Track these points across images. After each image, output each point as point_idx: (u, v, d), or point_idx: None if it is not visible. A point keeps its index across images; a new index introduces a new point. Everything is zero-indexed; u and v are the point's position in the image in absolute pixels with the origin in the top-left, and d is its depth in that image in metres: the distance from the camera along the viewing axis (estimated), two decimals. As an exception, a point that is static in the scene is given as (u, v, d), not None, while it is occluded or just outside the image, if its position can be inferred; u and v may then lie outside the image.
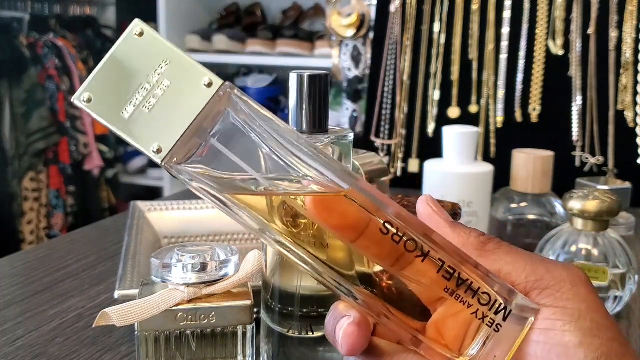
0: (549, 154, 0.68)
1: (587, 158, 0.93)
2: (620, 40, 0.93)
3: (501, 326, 0.27)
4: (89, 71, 2.13)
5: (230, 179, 0.28)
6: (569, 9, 0.95)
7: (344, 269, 0.28)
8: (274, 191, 0.28)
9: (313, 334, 0.39)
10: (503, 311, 0.27)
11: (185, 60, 0.27)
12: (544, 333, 0.26)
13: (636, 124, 0.92)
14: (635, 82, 0.92)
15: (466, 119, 0.98)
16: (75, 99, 0.27)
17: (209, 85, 0.27)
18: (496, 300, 0.27)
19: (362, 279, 0.29)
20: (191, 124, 0.26)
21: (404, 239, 0.27)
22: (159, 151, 0.26)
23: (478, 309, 0.27)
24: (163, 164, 0.26)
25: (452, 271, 0.27)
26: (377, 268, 0.29)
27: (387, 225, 0.27)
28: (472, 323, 0.27)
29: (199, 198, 0.74)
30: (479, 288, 0.27)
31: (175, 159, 0.27)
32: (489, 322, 0.27)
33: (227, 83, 0.27)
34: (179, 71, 0.27)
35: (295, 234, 0.28)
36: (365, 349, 0.28)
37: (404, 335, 0.28)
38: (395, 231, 0.27)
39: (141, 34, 0.27)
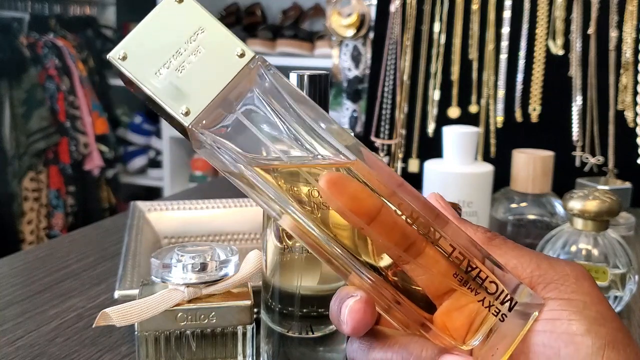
0: (549, 154, 0.68)
1: (587, 158, 0.93)
2: (620, 40, 0.93)
3: (506, 316, 0.27)
4: (89, 71, 2.14)
5: (251, 155, 0.28)
6: (569, 9, 0.95)
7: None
8: (291, 164, 0.28)
9: (313, 334, 0.39)
10: (509, 302, 0.27)
11: (221, 30, 0.28)
12: (550, 323, 0.27)
13: (636, 124, 0.92)
14: (635, 82, 0.92)
15: (466, 119, 0.98)
16: (110, 56, 0.27)
17: (241, 55, 0.28)
18: (503, 290, 0.27)
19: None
20: (221, 91, 0.27)
21: (416, 223, 0.27)
22: (187, 114, 0.27)
23: (485, 297, 0.27)
24: (190, 126, 0.27)
25: (462, 257, 0.27)
26: (383, 263, 0.29)
27: (400, 207, 0.27)
28: (477, 316, 0.28)
29: (199, 198, 0.74)
30: (487, 277, 0.27)
31: (202, 124, 0.27)
32: (495, 311, 0.27)
33: (258, 56, 0.28)
34: (213, 40, 0.28)
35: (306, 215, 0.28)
36: (369, 330, 0.28)
37: (413, 321, 0.28)
38: (408, 214, 0.27)
39: (181, 1, 0.28)
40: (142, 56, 0.27)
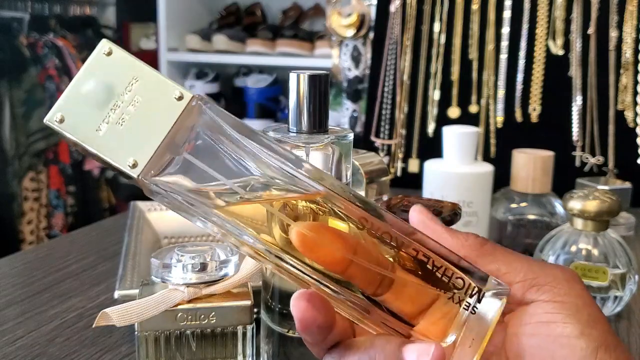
0: (549, 154, 0.68)
1: (587, 158, 0.93)
2: (620, 40, 0.93)
3: (477, 309, 0.28)
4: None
5: (205, 190, 0.28)
6: (569, 9, 0.95)
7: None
8: (252, 200, 0.28)
9: (313, 334, 0.39)
10: (477, 294, 0.28)
11: (155, 76, 0.27)
12: (545, 325, 0.28)
13: (636, 124, 0.92)
14: (635, 82, 0.92)
15: (466, 119, 0.98)
16: (47, 120, 0.27)
17: (180, 98, 0.27)
18: (470, 284, 0.28)
19: None
20: (165, 137, 0.27)
21: (379, 232, 0.28)
22: (134, 165, 0.27)
23: (454, 294, 0.28)
24: (140, 177, 0.27)
25: (426, 259, 0.28)
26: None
27: (362, 221, 0.28)
28: (450, 314, 0.28)
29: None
30: (452, 274, 0.28)
31: (151, 173, 0.27)
32: (465, 305, 0.28)
33: (197, 95, 0.28)
34: (149, 87, 0.27)
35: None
36: (342, 342, 0.28)
37: (398, 333, 0.29)
38: (370, 226, 0.28)
39: (109, 53, 0.27)
40: (79, 115, 0.27)
